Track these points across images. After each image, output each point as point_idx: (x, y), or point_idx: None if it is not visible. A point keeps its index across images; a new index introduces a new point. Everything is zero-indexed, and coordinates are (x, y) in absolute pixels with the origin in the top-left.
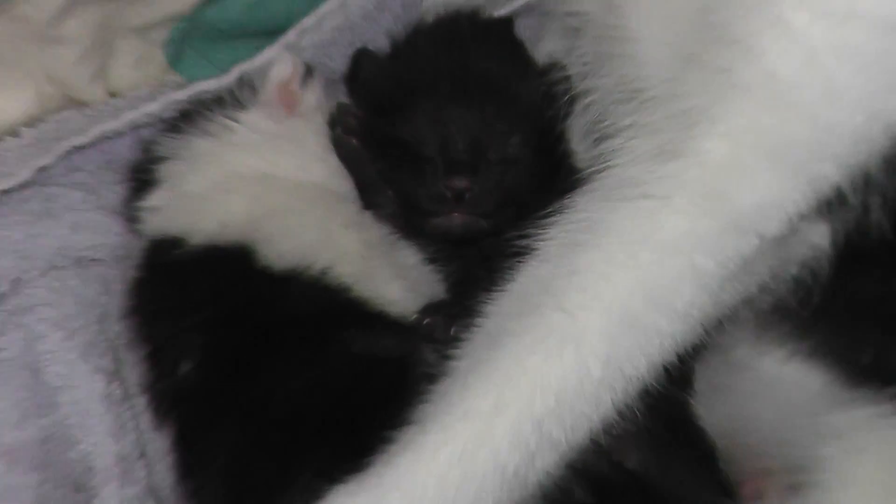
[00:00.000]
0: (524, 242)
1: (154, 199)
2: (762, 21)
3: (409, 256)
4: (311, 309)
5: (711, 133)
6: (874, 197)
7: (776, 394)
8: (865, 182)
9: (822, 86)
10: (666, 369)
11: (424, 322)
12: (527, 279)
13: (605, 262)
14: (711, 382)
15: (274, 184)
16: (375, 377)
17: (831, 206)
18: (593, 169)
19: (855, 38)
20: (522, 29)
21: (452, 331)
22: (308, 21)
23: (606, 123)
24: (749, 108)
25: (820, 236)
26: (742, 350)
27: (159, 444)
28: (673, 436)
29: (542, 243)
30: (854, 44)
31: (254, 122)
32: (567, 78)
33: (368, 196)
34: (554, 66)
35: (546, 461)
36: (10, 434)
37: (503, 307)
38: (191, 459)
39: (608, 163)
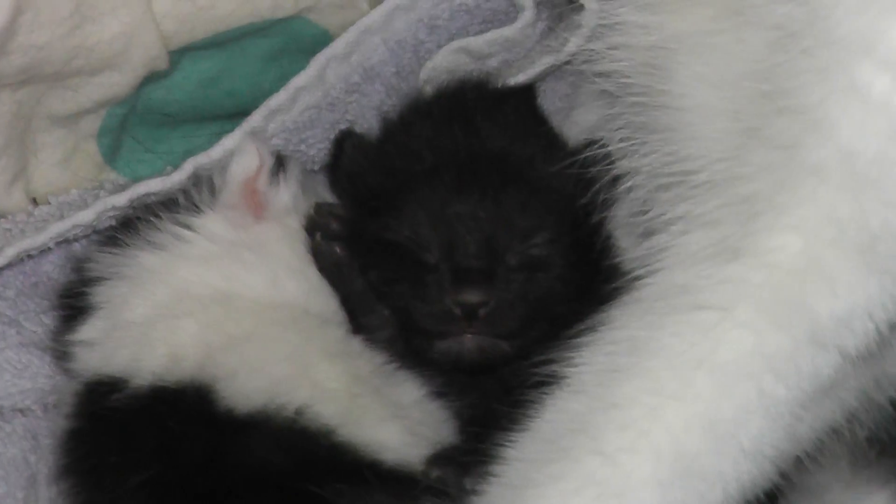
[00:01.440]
0: (552, 369)
1: (88, 330)
2: (834, 86)
3: (411, 391)
4: (284, 460)
5: (780, 226)
6: None
7: None
8: None
9: None
10: None
11: (433, 475)
12: (556, 416)
13: (652, 392)
14: None
15: (237, 305)
16: None
17: None
18: (637, 273)
19: None
20: (549, 98)
21: (467, 484)
22: (277, 100)
23: (652, 215)
24: (824, 193)
25: None
26: (835, 495)
27: None
28: None
29: (573, 370)
30: None
31: (212, 229)
32: (606, 157)
33: (358, 316)
34: (590, 143)
35: None
36: None
37: (527, 452)
38: None
39: (654, 265)
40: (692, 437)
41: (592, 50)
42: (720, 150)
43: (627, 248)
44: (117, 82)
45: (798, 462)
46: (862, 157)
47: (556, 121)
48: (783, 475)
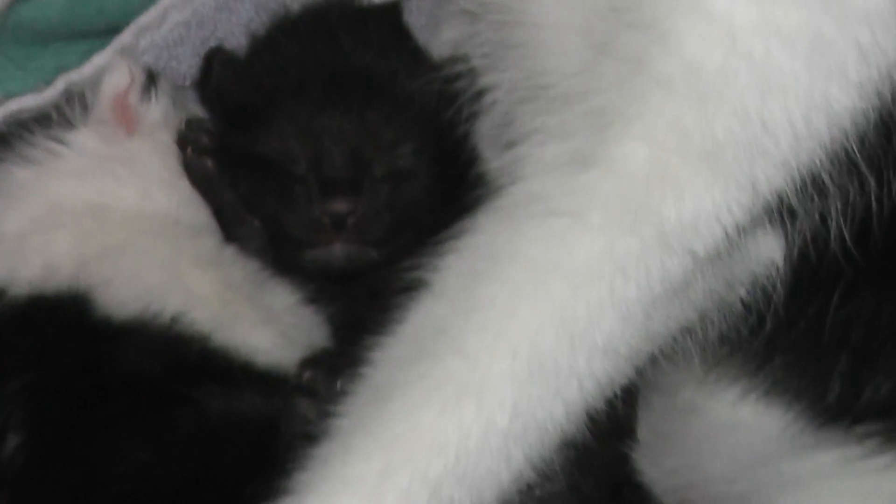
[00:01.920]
0: (417, 274)
1: None
2: (677, 2)
3: (282, 297)
4: (158, 365)
5: (628, 135)
6: (829, 205)
7: (729, 440)
8: (816, 187)
9: (751, 75)
10: (593, 417)
11: (304, 377)
12: (419, 319)
13: (509, 294)
14: (655, 430)
15: (109, 216)
16: (239, 442)
17: (779, 216)
18: (499, 183)
19: (787, 20)
20: (415, 16)
21: (338, 385)
22: (148, 17)
23: (512, 127)
24: (670, 104)
25: (770, 250)
26: (688, 392)
27: None
28: (609, 495)
29: (436, 275)
30: (786, 26)
31: (84, 143)
32: (471, 72)
33: (229, 227)
34: (454, 59)
35: None
36: None
37: (392, 354)
38: None
39: (513, 175)
40: (547, 335)
41: None
42: (574, 64)
43: (491, 160)
44: None
45: (653, 360)
46: (706, 68)
47: (422, 37)
48: (639, 372)
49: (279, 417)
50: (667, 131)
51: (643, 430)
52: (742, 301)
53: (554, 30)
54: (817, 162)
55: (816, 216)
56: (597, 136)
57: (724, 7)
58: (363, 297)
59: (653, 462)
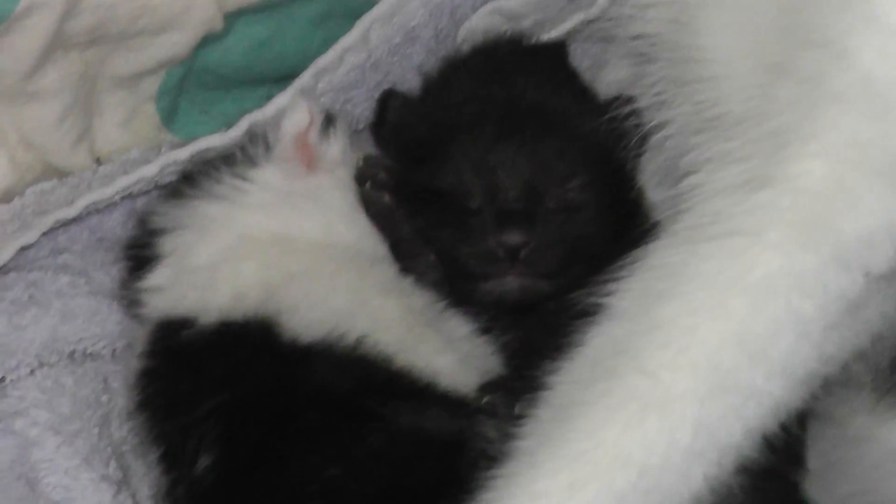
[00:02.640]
0: (593, 300)
1: (156, 277)
2: (853, 18)
3: (459, 326)
4: (346, 383)
5: (805, 153)
6: None
7: None
8: None
9: None
10: (769, 440)
11: (485, 400)
12: (599, 341)
13: (689, 312)
14: (827, 459)
15: (293, 247)
16: (426, 458)
17: None
18: (672, 212)
19: None
20: (579, 59)
21: (517, 408)
22: (325, 60)
23: (686, 159)
24: (846, 119)
25: None
26: (860, 419)
27: None
28: None
29: (614, 299)
30: None
31: (267, 180)
32: (636, 110)
33: (406, 260)
34: (619, 97)
35: None
36: None
37: (573, 375)
38: None
39: (689, 202)
40: (727, 352)
41: (622, 12)
42: (749, 90)
43: (657, 197)
44: (176, 42)
45: (826, 386)
46: (882, 82)
47: (586, 79)
48: (812, 397)
49: (464, 437)
50: (844, 146)
51: (814, 460)
52: None
53: (727, 59)
54: None
55: None
56: (773, 156)
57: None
58: (536, 327)
59: (823, 490)
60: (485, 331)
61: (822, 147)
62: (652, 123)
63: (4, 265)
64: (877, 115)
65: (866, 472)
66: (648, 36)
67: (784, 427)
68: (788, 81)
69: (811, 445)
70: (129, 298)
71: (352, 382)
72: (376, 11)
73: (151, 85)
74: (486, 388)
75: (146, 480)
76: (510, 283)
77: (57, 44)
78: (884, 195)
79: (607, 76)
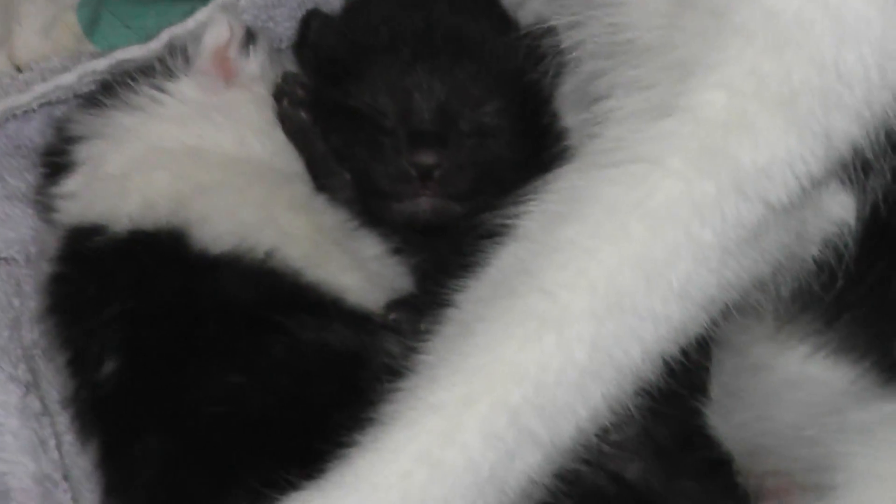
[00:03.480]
0: (501, 222)
1: (70, 183)
2: None
3: (370, 246)
4: (252, 295)
5: (708, 83)
6: None
7: (799, 394)
8: (890, 141)
9: (827, 23)
10: (670, 366)
11: (390, 317)
12: (503, 261)
13: (589, 235)
14: (728, 388)
15: (206, 159)
16: (328, 370)
17: (854, 171)
18: (584, 136)
19: None
20: None
21: (422, 325)
22: None
23: (597, 84)
24: (748, 52)
25: (843, 208)
26: (760, 348)
27: (84, 464)
28: (680, 444)
29: (520, 220)
30: None
31: (184, 92)
32: (554, 36)
33: (321, 178)
34: (538, 25)
35: (527, 462)
36: None
37: (477, 294)
38: (116, 475)
39: (598, 127)
40: (625, 275)
41: None
42: (657, 18)
43: (572, 122)
44: None
45: (726, 314)
46: (783, 17)
47: (510, 7)
48: (713, 324)
49: (366, 351)
50: (745, 79)
51: (714, 389)
52: (814, 258)
53: None
54: (891, 114)
55: (888, 173)
56: (677, 85)
57: None
58: (446, 249)
59: (723, 417)
60: (396, 251)
61: (724, 78)
62: (565, 45)
63: None
64: (777, 49)
65: (763, 399)
66: None
67: (685, 352)
68: (695, 12)
69: (713, 373)
70: (43, 204)
71: (258, 294)
72: None
73: None
74: (392, 305)
75: (55, 384)
76: (422, 204)
77: None
78: (782, 127)
79: (528, 5)
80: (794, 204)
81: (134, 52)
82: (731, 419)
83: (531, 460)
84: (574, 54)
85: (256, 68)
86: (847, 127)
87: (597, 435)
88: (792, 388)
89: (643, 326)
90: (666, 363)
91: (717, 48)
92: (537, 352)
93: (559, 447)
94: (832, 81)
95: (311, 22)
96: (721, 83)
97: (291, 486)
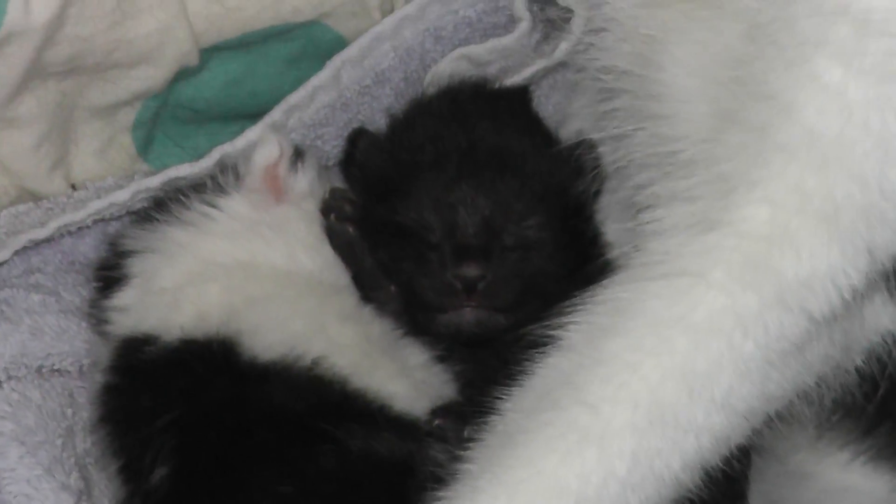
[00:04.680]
0: (546, 333)
1: (123, 296)
2: (798, 75)
3: (416, 354)
4: (301, 403)
5: (751, 199)
6: None
7: (840, 503)
8: None
9: (868, 144)
10: (710, 476)
11: (435, 423)
12: (547, 372)
13: (632, 349)
14: (769, 496)
15: (256, 273)
16: (376, 479)
17: None
18: (628, 248)
19: None
20: (543, 106)
21: (466, 432)
22: (296, 97)
23: (641, 194)
24: (791, 169)
25: (887, 319)
26: (801, 456)
27: None
28: None
29: (564, 332)
30: None
31: (235, 208)
32: (596, 153)
33: (368, 290)
34: (580, 141)
35: None
36: None
37: (520, 404)
38: None
39: (640, 240)
40: (667, 388)
41: (592, 45)
42: (701, 132)
43: (614, 235)
44: (152, 76)
45: (769, 423)
46: (825, 137)
47: (552, 123)
48: (755, 434)
49: (413, 460)
50: (788, 194)
51: (755, 497)
52: (857, 368)
53: (683, 99)
54: None
55: None
56: (721, 200)
57: (837, 81)
58: (491, 358)
59: None
60: (440, 359)
61: (767, 193)
62: (609, 158)
63: None
64: (819, 167)
65: None
66: (616, 69)
67: (726, 462)
68: (738, 129)
69: (754, 481)
70: (96, 316)
71: (306, 403)
72: (347, 53)
73: (127, 116)
74: (437, 412)
75: (107, 493)
76: (467, 316)
77: (34, 73)
78: (825, 242)
79: (570, 126)
80: (836, 316)
81: (185, 170)
82: None
83: None
84: (618, 166)
85: (305, 185)
86: (890, 241)
87: None
88: (832, 497)
89: (685, 439)
90: (706, 473)
91: (760, 164)
92: (578, 466)
93: None
94: (875, 198)
95: (358, 140)
96: (764, 198)
97: None
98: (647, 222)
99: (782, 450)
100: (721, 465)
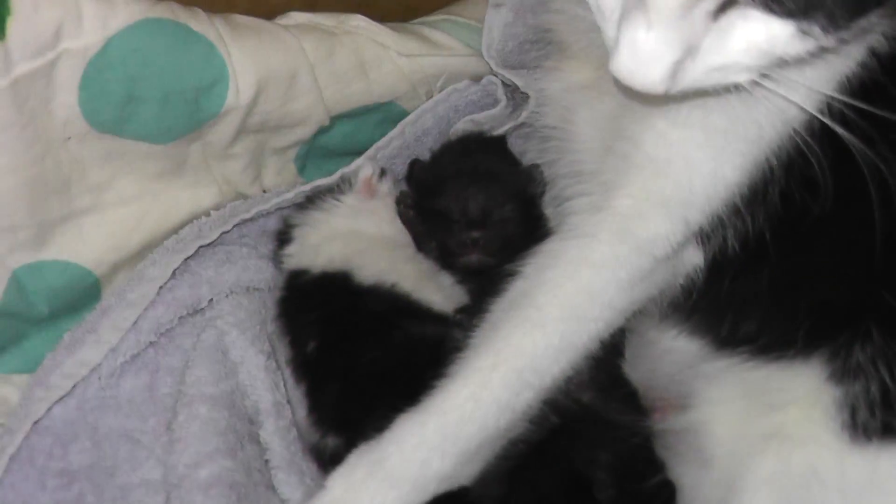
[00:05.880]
0: (514, 268)
1: (290, 249)
2: (643, 128)
3: (447, 279)
4: (385, 306)
5: (621, 195)
6: (728, 230)
7: (671, 356)
8: (720, 221)
9: (683, 164)
10: (605, 343)
11: (457, 317)
12: (514, 290)
13: (559, 277)
14: (634, 353)
15: (361, 236)
16: (424, 348)
17: (701, 236)
18: (556, 223)
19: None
20: (513, 146)
21: (474, 322)
22: (381, 143)
23: (563, 193)
24: (641, 178)
25: (696, 257)
26: (650, 332)
27: (298, 396)
28: (611, 382)
29: (523, 268)
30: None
31: (350, 202)
32: (540, 171)
33: (420, 245)
34: (533, 165)
35: (526, 398)
36: (211, 388)
37: (501, 306)
38: (315, 401)
39: (564, 217)
40: (581, 299)
41: (537, 112)
42: (596, 157)
43: (551, 216)
44: (304, 131)
45: (634, 314)
46: (657, 161)
47: (516, 155)
48: (627, 320)
49: (445, 338)
50: (640, 192)
51: (627, 354)
52: (680, 284)
53: (585, 141)
54: (721, 208)
55: (720, 239)
56: (605, 195)
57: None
58: (486, 282)
59: (632, 369)
60: (460, 282)
61: (630, 192)
62: (548, 173)
63: (214, 241)
64: (657, 178)
65: (652, 360)
66: (549, 126)
67: (613, 335)
68: (614, 156)
69: (627, 346)
70: (276, 259)
71: (388, 307)
72: (408, 119)
73: (292, 152)
74: (459, 310)
75: (282, 354)
76: (473, 258)
77: (241, 130)
78: (661, 218)
79: (527, 157)
80: (669, 256)
81: (323, 182)
82: (636, 370)
83: (528, 397)
84: (551, 178)
85: (387, 189)
86: (698, 218)
87: (566, 380)
88: (667, 354)
89: (591, 326)
90: (602, 342)
91: (626, 175)
92: (531, 339)
93: (544, 389)
94: (688, 196)
95: (414, 165)
96: (628, 195)
97: (403, 409)
98: (566, 210)
99: (641, 328)
100: (610, 338)
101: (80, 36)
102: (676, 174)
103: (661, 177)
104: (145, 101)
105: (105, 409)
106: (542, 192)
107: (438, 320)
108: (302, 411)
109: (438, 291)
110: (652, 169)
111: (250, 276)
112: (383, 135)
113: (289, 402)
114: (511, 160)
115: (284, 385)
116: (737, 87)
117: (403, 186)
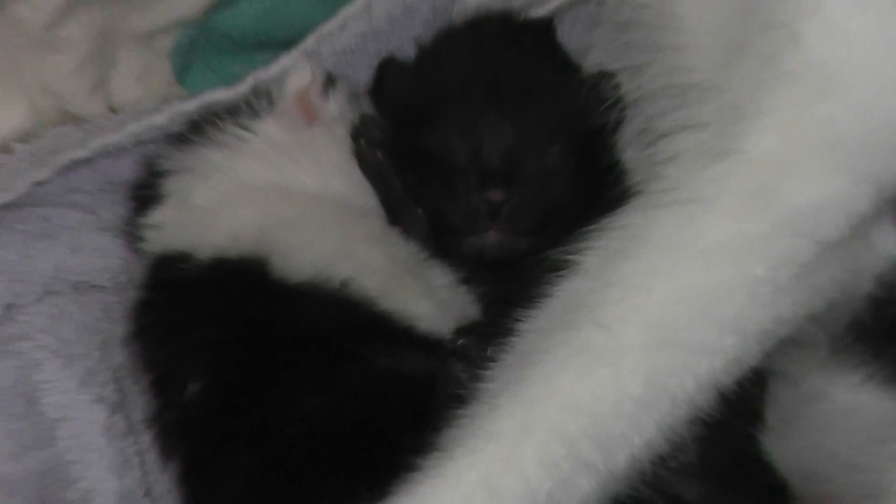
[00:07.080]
0: (564, 257)
1: (158, 215)
2: (802, 5)
3: (440, 276)
4: (330, 323)
5: (758, 126)
6: None
7: (850, 422)
8: None
9: (871, 75)
10: (726, 397)
11: (458, 342)
12: (563, 294)
13: (644, 272)
14: (783, 416)
15: (289, 195)
16: (400, 396)
17: None
18: (645, 175)
19: None
20: (566, 36)
21: (488, 351)
22: (328, 27)
23: (657, 123)
24: (797, 97)
25: (894, 244)
26: (813, 379)
27: (166, 482)
28: (737, 469)
29: (581, 257)
30: None
31: (268, 132)
32: (616, 84)
33: (394, 214)
34: (601, 72)
35: (583, 489)
36: (5, 466)
37: (538, 325)
38: (199, 491)
39: (658, 166)
40: (680, 309)
41: None
42: (715, 62)
43: (631, 164)
44: (190, 3)
45: (782, 346)
46: (827, 65)
47: (574, 54)
48: (768, 357)
49: (435, 378)
50: (793, 123)
51: (770, 417)
52: (868, 293)
53: (695, 31)
54: None
55: None
56: (729, 128)
57: (840, 11)
58: (511, 280)
59: (779, 445)
60: (464, 281)
61: (773, 122)
62: (626, 90)
63: (19, 199)
64: (823, 96)
65: (817, 427)
66: (633, 2)
67: (740, 383)
68: (748, 59)
69: (771, 403)
70: (132, 234)
71: (335, 323)
72: None
73: (165, 43)
74: (460, 331)
75: (140, 404)
76: (491, 239)
77: None
78: (830, 169)
79: (590, 57)
80: (844, 241)
81: (221, 95)
82: (786, 446)
83: (586, 487)
84: (635, 97)
85: (336, 110)
86: (894, 169)
87: (656, 461)
88: (844, 417)
89: (698, 359)
90: (720, 393)
91: (767, 93)
92: (593, 384)
93: (614, 474)
94: (880, 128)
95: (387, 69)
96: (771, 126)
97: None
98: (661, 151)
99: (796, 372)
100: (736, 386)
101: None
102: (861, 92)
103: (835, 96)
104: None
105: None
106: (616, 123)
107: (425, 347)
108: None
109: (426, 296)
110: (815, 80)
111: (84, 262)
112: (333, 13)
113: (147, 493)
114: (561, 64)
115: (141, 462)
116: None
117: (368, 107)
